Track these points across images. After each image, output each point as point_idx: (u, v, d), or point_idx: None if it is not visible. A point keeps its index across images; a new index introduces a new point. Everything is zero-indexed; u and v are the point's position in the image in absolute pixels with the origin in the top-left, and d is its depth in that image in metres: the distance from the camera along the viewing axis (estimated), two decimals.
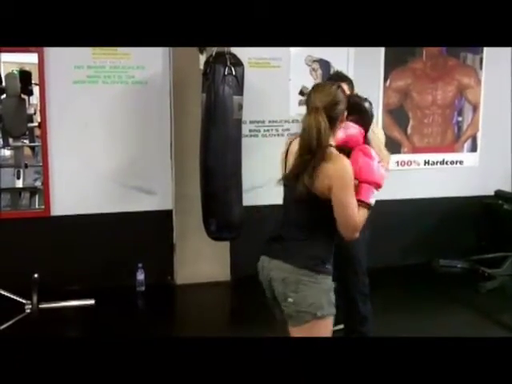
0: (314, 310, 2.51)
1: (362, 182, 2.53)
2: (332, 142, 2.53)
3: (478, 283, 5.16)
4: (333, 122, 2.49)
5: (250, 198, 4.79)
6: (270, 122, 5.19)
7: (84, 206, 4.87)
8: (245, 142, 4.59)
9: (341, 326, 3.79)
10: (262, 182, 5.09)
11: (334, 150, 2.50)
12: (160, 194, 5.07)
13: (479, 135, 5.77)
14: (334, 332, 3.80)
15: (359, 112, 3.03)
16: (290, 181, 2.55)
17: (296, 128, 5.21)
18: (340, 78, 3.48)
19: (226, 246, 5.05)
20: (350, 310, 3.61)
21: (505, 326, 4.34)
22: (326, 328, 2.58)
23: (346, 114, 2.59)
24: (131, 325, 4.33)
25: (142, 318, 4.67)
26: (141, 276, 4.94)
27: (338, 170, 2.43)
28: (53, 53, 4.64)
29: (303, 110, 5.28)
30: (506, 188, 5.61)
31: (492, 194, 5.65)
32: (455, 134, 5.71)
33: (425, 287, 5.15)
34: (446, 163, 5.71)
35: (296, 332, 2.59)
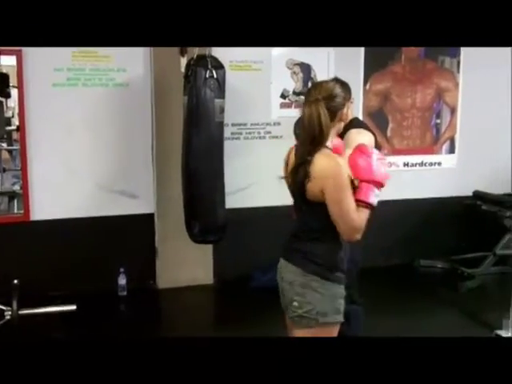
0: (317, 316, 2.48)
1: (362, 181, 2.47)
2: (331, 138, 2.52)
3: (458, 283, 5.22)
4: (332, 115, 2.47)
5: (233, 201, 4.79)
6: (252, 124, 5.20)
7: (64, 211, 4.82)
8: (227, 144, 4.60)
9: None
10: (245, 185, 5.11)
11: (327, 150, 2.47)
12: (142, 197, 5.04)
13: (457, 137, 5.84)
14: None
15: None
16: (292, 177, 2.53)
17: (278, 131, 5.24)
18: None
19: (208, 249, 5.04)
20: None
21: (484, 324, 4.39)
22: (329, 335, 2.53)
23: (347, 112, 2.59)
24: (113, 330, 4.30)
25: (124, 322, 4.63)
26: (122, 280, 4.91)
27: (330, 170, 2.40)
28: (31, 55, 4.59)
29: (285, 112, 5.39)
30: (484, 188, 5.67)
31: (470, 194, 5.71)
32: (434, 136, 5.78)
33: (407, 287, 5.20)
34: (425, 165, 5.77)
35: (297, 335, 2.57)
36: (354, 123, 3.44)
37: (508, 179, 5.10)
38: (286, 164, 2.64)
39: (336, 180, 2.39)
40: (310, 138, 2.45)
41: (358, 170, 2.47)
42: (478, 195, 5.68)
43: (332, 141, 2.58)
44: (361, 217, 2.42)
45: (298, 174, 2.48)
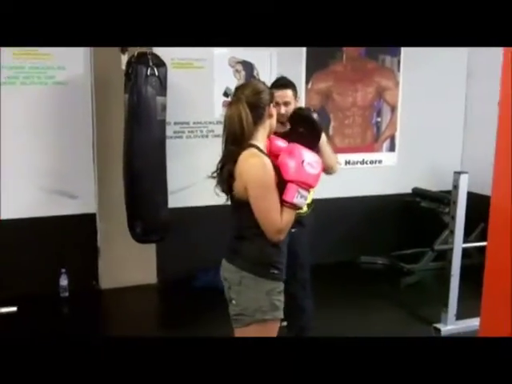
0: (253, 313, 2.48)
1: (288, 181, 2.46)
2: (258, 137, 2.49)
3: (398, 278, 5.33)
4: (257, 114, 2.46)
5: (176, 200, 4.77)
6: (194, 123, 5.18)
7: (3, 212, 4.69)
8: (169, 143, 4.57)
9: (284, 324, 3.84)
10: (188, 184, 5.08)
11: (253, 149, 2.44)
12: (83, 197, 4.96)
13: (397, 135, 5.97)
14: (279, 329, 3.88)
15: (308, 124, 3.04)
16: (218, 177, 2.54)
17: (220, 129, 5.20)
18: (285, 83, 3.43)
19: (151, 248, 5.00)
20: (291, 305, 3.64)
21: (423, 318, 4.50)
22: (268, 332, 2.53)
23: (272, 107, 2.55)
24: (55, 331, 4.22)
25: (66, 324, 4.56)
26: (64, 281, 4.82)
27: (253, 168, 2.40)
28: None
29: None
30: (423, 186, 5.81)
31: (410, 191, 5.84)
32: (374, 134, 5.89)
33: (348, 283, 5.28)
34: (366, 163, 5.87)
35: (238, 334, 2.57)
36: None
37: (446, 176, 5.22)
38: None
39: (258, 178, 2.39)
40: (231, 138, 2.46)
41: (285, 170, 2.46)
42: (418, 192, 5.80)
43: (271, 142, 2.60)
44: (284, 217, 2.42)
45: (222, 174, 2.49)
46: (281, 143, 2.69)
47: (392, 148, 5.97)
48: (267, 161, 2.43)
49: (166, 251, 5.01)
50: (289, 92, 3.38)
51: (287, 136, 2.81)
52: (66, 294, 4.84)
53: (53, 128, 4.81)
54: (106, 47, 4.37)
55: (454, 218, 4.27)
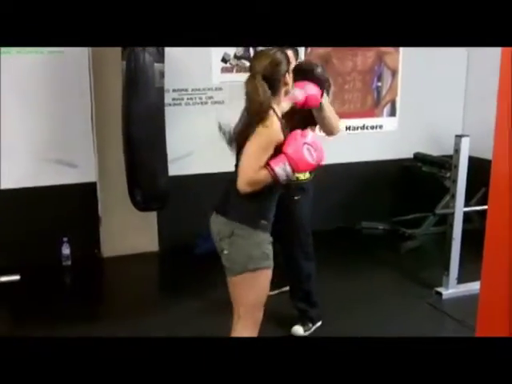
0: (246, 262, 2.63)
1: (282, 152, 2.61)
2: (276, 104, 2.64)
3: (400, 243, 5.35)
4: (274, 84, 2.61)
5: (175, 168, 4.75)
6: (193, 90, 5.13)
7: (3, 182, 4.69)
8: (168, 111, 4.54)
9: (286, 288, 3.88)
10: (188, 152, 5.07)
11: (271, 114, 2.58)
12: (82, 166, 4.94)
13: (398, 100, 5.92)
14: (282, 294, 3.92)
15: (312, 78, 3.10)
16: (236, 139, 2.72)
17: (219, 96, 5.20)
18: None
19: (153, 216, 5.02)
20: (293, 269, 3.69)
21: (425, 282, 4.53)
22: (260, 280, 2.69)
23: (290, 75, 2.68)
24: (58, 300, 4.26)
25: (69, 292, 4.61)
26: (66, 250, 4.85)
27: (264, 131, 2.56)
28: None
29: (226, 77, 5.37)
30: (424, 151, 5.78)
31: (411, 156, 5.82)
32: (375, 99, 5.84)
33: (349, 249, 5.31)
34: (367, 128, 5.83)
35: (232, 283, 2.74)
36: None
37: (447, 141, 5.18)
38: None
39: (259, 138, 2.57)
40: (252, 109, 2.59)
41: (287, 142, 2.62)
42: (419, 157, 5.77)
43: (305, 90, 2.85)
44: (259, 175, 2.59)
45: (240, 137, 2.66)
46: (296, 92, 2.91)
47: (393, 113, 5.93)
48: (276, 126, 2.59)
49: (167, 219, 5.02)
50: (289, 52, 3.38)
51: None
52: (69, 263, 4.86)
53: (50, 97, 4.77)
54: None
55: (455, 181, 4.26)
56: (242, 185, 2.59)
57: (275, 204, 2.77)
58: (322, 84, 3.17)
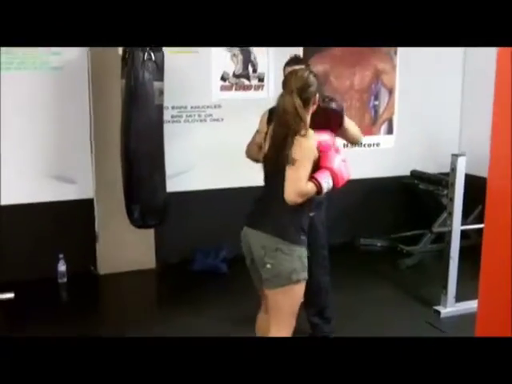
0: (289, 274, 2.80)
1: (323, 167, 2.80)
2: (307, 120, 2.81)
3: (398, 260, 5.34)
4: (306, 103, 2.79)
5: (174, 184, 4.76)
6: (192, 107, 5.16)
7: (1, 197, 4.69)
8: (167, 127, 4.56)
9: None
10: (186, 168, 5.08)
11: (310, 130, 2.77)
12: (80, 182, 4.95)
13: (395, 118, 5.95)
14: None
15: (329, 114, 3.25)
16: (271, 154, 2.85)
17: (218, 113, 5.22)
18: (298, 61, 3.66)
19: (150, 233, 5.01)
20: (310, 283, 3.69)
21: (424, 300, 4.52)
22: (299, 291, 2.90)
23: (317, 96, 2.86)
24: (54, 318, 4.23)
25: (65, 309, 4.57)
26: (62, 267, 4.83)
27: (306, 143, 2.73)
28: None
29: (225, 95, 5.38)
30: (421, 168, 5.80)
31: (408, 174, 5.84)
32: (372, 117, 5.87)
33: (348, 265, 5.28)
34: (364, 146, 5.84)
35: (272, 295, 2.89)
36: None
37: (444, 158, 5.20)
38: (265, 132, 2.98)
39: (303, 149, 2.73)
40: (286, 125, 2.75)
41: (328, 159, 2.82)
42: (416, 174, 5.80)
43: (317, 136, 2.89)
44: (307, 186, 2.74)
45: (280, 156, 2.76)
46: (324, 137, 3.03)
47: (390, 131, 5.96)
48: (314, 138, 2.78)
49: (164, 235, 5.01)
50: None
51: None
52: (65, 280, 4.85)
53: (50, 113, 4.79)
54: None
55: (452, 200, 4.27)
56: (293, 196, 2.72)
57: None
58: (341, 113, 3.32)
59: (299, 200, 2.73)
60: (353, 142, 3.73)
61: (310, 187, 2.75)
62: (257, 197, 3.00)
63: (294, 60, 3.65)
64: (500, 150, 2.19)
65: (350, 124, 3.48)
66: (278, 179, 2.77)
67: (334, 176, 2.81)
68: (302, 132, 2.73)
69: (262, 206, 2.94)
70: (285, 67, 3.56)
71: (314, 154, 2.77)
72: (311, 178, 2.76)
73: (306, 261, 2.86)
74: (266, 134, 2.95)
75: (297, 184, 2.71)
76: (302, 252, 2.85)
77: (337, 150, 2.91)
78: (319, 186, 2.76)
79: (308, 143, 2.74)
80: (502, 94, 2.16)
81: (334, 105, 3.32)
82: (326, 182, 2.78)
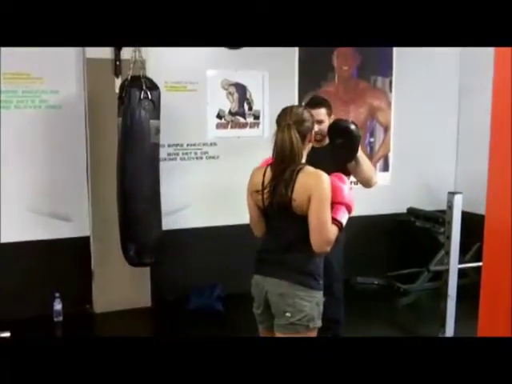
0: (307, 322, 2.73)
1: (336, 203, 2.70)
2: (303, 157, 2.75)
3: (395, 299, 5.30)
4: (303, 139, 2.73)
5: (169, 222, 4.75)
6: (188, 145, 5.19)
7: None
8: (164, 165, 4.58)
9: None
10: (182, 206, 5.07)
11: (309, 167, 2.69)
12: (77, 220, 4.94)
13: (391, 155, 5.98)
14: None
15: (345, 135, 3.27)
16: (270, 193, 2.72)
17: (214, 151, 5.25)
18: (318, 102, 3.66)
19: (146, 271, 4.97)
20: (325, 316, 3.66)
21: None
22: (312, 336, 2.80)
23: (313, 132, 2.83)
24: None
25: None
26: (58, 306, 4.78)
27: (320, 184, 2.62)
28: None
29: (221, 133, 5.41)
30: (418, 205, 5.80)
31: (404, 211, 5.84)
32: (368, 154, 5.89)
33: (345, 304, 5.23)
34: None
35: (283, 335, 2.78)
36: None
37: (440, 196, 5.21)
38: (262, 183, 2.77)
39: (321, 192, 2.62)
40: (282, 159, 2.68)
41: (339, 193, 2.71)
42: (412, 212, 5.79)
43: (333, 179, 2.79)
44: (333, 232, 2.66)
45: (278, 191, 2.67)
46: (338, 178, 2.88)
47: (386, 168, 5.98)
48: (326, 177, 2.67)
49: (160, 274, 4.98)
50: (322, 110, 3.60)
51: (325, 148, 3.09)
52: (60, 319, 4.79)
53: (47, 151, 4.82)
54: (99, 69, 4.48)
55: (449, 238, 4.25)
56: (324, 245, 2.64)
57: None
58: (357, 140, 3.30)
59: (329, 249, 2.67)
60: (364, 182, 3.68)
61: (334, 230, 2.66)
62: (263, 241, 2.88)
63: (318, 102, 3.62)
64: (497, 187, 2.20)
65: (364, 158, 3.46)
66: (284, 221, 2.71)
67: (349, 209, 2.74)
68: (304, 171, 2.65)
69: (273, 251, 2.79)
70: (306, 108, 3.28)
71: (330, 191, 2.65)
72: (332, 219, 2.65)
73: (322, 307, 2.80)
74: (263, 185, 2.76)
75: (324, 233, 2.61)
76: (320, 298, 2.79)
77: (340, 179, 2.79)
78: (341, 227, 2.70)
79: (323, 183, 2.62)
80: (498, 133, 2.17)
81: (351, 126, 3.30)
82: (345, 219, 2.72)
